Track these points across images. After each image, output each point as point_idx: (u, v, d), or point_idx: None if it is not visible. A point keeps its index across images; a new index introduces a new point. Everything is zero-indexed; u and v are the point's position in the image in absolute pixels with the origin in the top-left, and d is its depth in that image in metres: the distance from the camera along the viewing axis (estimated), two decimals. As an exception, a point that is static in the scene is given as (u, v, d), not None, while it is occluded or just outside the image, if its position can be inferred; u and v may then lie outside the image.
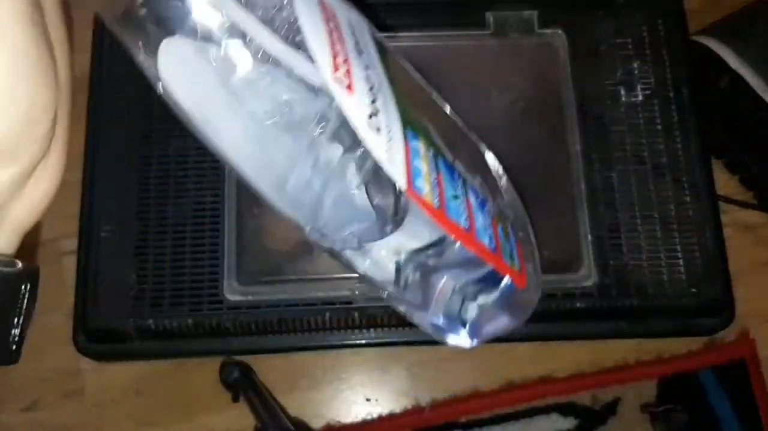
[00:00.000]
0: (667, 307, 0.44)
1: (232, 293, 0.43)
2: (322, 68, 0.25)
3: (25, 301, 0.25)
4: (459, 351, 0.48)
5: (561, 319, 0.44)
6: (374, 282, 0.34)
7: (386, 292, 0.34)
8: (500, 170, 0.36)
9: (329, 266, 0.44)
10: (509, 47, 0.49)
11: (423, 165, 0.29)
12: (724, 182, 0.52)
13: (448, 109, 0.34)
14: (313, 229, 0.30)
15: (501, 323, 0.35)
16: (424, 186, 0.29)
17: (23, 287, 0.25)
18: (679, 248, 0.45)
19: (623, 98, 0.48)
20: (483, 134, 0.48)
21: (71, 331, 0.44)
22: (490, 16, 0.49)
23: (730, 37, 0.50)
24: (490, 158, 0.36)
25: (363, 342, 0.45)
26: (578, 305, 0.44)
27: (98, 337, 0.44)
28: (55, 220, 0.51)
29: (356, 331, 0.45)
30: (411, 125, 0.29)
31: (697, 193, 0.46)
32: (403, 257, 0.33)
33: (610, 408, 0.48)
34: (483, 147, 0.35)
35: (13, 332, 0.24)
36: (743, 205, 0.52)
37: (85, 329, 0.43)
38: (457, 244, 0.31)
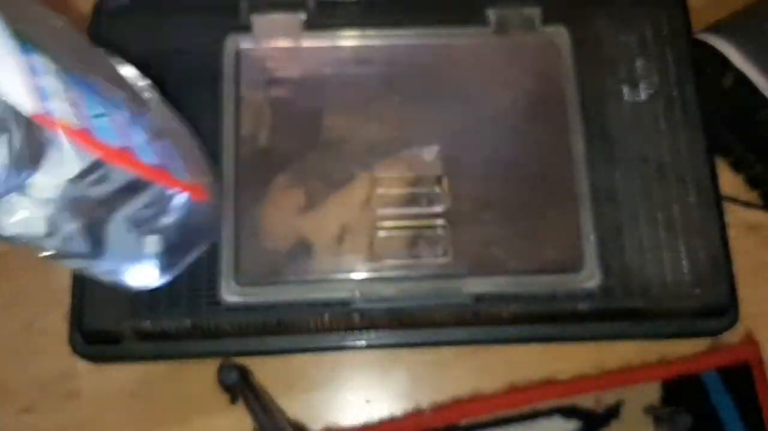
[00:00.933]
0: (671, 308, 0.44)
1: (230, 294, 0.43)
2: None
3: None
4: (459, 352, 0.48)
5: (564, 320, 0.44)
6: (29, 242, 0.29)
7: (48, 251, 0.29)
8: (144, 84, 0.33)
9: (328, 267, 0.44)
10: (511, 44, 0.49)
11: (53, 82, 0.25)
12: (728, 182, 0.52)
13: (71, 28, 0.31)
14: None
15: (192, 245, 0.34)
16: (60, 106, 0.25)
17: None
18: (683, 248, 0.45)
19: (626, 97, 0.47)
20: (485, 132, 0.48)
21: (68, 333, 0.44)
22: (492, 13, 0.49)
23: (735, 36, 0.50)
24: (130, 71, 0.33)
25: (362, 343, 0.45)
26: (581, 306, 0.44)
27: (95, 339, 0.44)
28: (52, 220, 0.51)
29: (355, 333, 0.45)
30: (29, 41, 0.25)
31: (701, 192, 0.46)
32: (54, 204, 0.28)
33: (613, 411, 0.48)
34: (117, 61, 0.32)
35: None
36: (748, 205, 0.52)
37: (81, 330, 0.43)
38: (115, 169, 0.28)
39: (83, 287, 0.43)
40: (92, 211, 0.29)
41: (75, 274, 0.44)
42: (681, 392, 0.48)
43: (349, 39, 0.49)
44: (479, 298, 0.43)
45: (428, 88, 0.48)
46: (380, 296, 0.43)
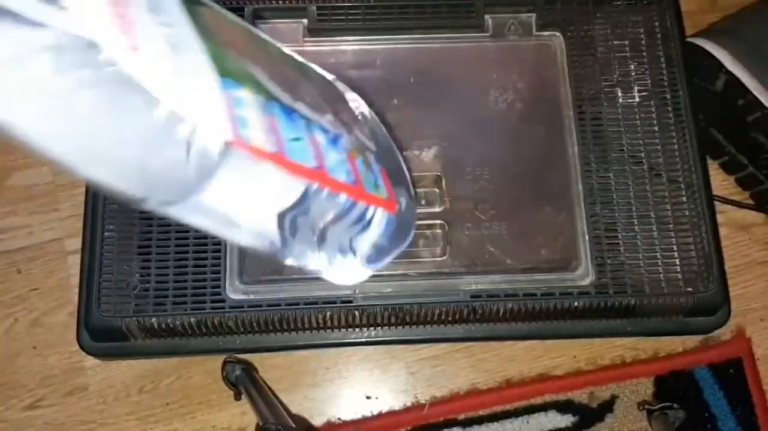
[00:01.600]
0: (664, 306, 0.45)
1: (234, 292, 0.43)
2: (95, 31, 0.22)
3: None
4: (457, 349, 0.49)
5: (559, 318, 0.45)
6: (260, 251, 0.31)
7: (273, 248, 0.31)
8: (355, 98, 0.34)
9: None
10: (508, 49, 0.50)
11: (250, 113, 0.27)
12: (720, 182, 0.53)
13: (286, 49, 0.32)
14: (160, 201, 0.26)
15: (389, 250, 0.35)
16: (254, 134, 0.27)
17: None
18: (675, 247, 0.45)
19: (620, 99, 0.48)
20: (482, 134, 0.48)
21: (75, 329, 0.44)
22: (488, 19, 0.50)
23: (727, 39, 0.50)
24: (341, 86, 0.34)
25: (363, 340, 0.45)
26: (575, 303, 0.44)
27: (102, 335, 0.44)
28: (60, 220, 0.51)
29: (357, 329, 0.45)
30: (232, 75, 0.27)
31: (694, 193, 0.46)
32: (279, 216, 0.30)
33: (608, 406, 0.48)
34: (330, 77, 0.34)
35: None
36: (739, 205, 0.52)
37: (88, 327, 0.44)
38: (323, 192, 0.30)
39: (90, 284, 0.43)
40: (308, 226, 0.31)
41: (82, 271, 0.44)
42: (674, 388, 0.48)
43: (350, 44, 0.49)
44: (476, 296, 0.44)
45: (427, 91, 0.49)
46: (380, 294, 0.44)
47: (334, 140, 0.32)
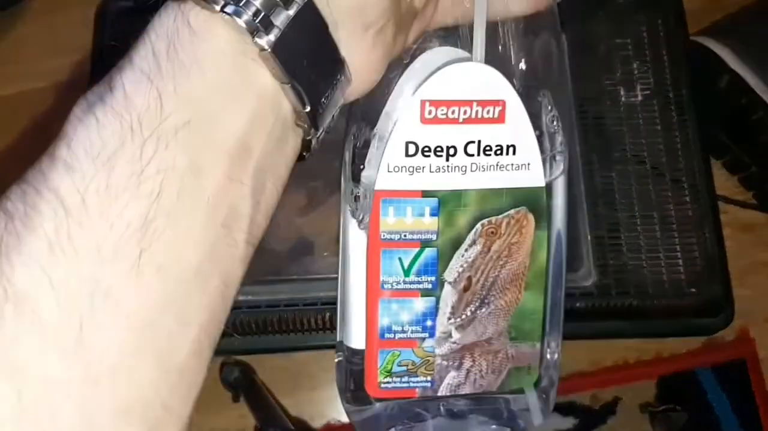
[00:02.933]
0: (667, 307, 0.44)
1: (233, 293, 0.43)
2: None
3: (336, 88, 0.25)
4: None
5: (561, 319, 0.45)
6: None
7: None
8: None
9: (329, 266, 0.44)
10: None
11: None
12: (724, 182, 0.52)
13: None
14: None
15: None
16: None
17: (339, 75, 0.25)
18: (678, 247, 0.45)
19: (623, 98, 0.48)
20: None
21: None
22: (489, 17, 0.49)
23: (730, 38, 0.50)
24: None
25: (363, 341, 0.45)
26: (578, 304, 0.44)
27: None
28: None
29: (356, 331, 0.45)
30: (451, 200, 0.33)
31: (697, 193, 0.46)
32: None
33: (610, 408, 0.48)
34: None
35: (323, 100, 0.25)
36: (742, 205, 0.52)
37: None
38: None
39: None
40: None
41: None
42: (677, 389, 0.48)
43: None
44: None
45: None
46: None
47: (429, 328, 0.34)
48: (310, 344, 0.45)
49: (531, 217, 0.34)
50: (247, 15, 0.22)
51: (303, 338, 0.45)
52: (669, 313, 0.45)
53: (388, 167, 0.32)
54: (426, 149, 0.32)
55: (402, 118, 0.31)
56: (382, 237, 0.33)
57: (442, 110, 0.31)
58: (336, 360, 0.37)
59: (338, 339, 0.37)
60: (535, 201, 0.34)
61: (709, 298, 0.45)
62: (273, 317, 0.43)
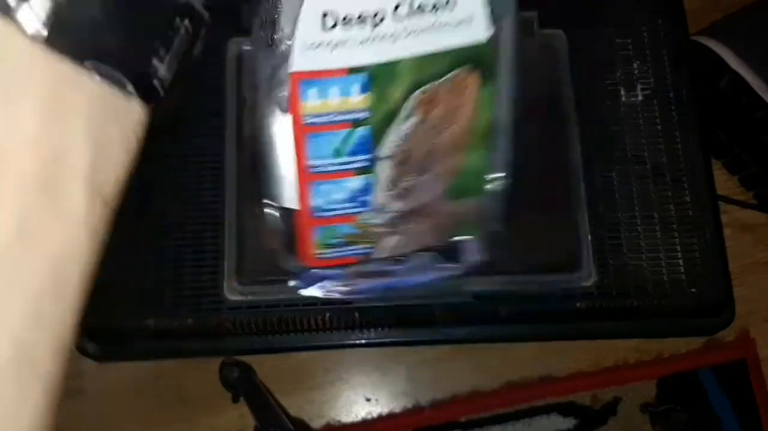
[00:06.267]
0: (667, 307, 0.44)
1: (233, 293, 0.43)
2: None
3: (178, 38, 0.20)
4: (458, 350, 0.48)
5: (561, 319, 0.45)
6: None
7: None
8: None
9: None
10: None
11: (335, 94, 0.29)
12: (724, 182, 0.52)
13: None
14: None
15: None
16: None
17: (178, 19, 0.20)
18: (679, 248, 0.45)
19: (623, 98, 0.48)
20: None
21: (72, 331, 0.44)
22: (490, 17, 0.49)
23: (730, 38, 0.50)
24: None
25: (363, 341, 0.45)
26: (578, 305, 0.44)
27: (99, 337, 0.44)
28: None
29: (356, 331, 0.45)
30: (380, 73, 0.27)
31: (697, 193, 0.46)
32: None
33: (610, 408, 0.48)
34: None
35: (154, 62, 0.19)
36: (743, 205, 0.52)
37: (85, 329, 0.43)
38: None
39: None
40: None
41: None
42: (677, 390, 0.48)
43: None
44: (478, 297, 0.43)
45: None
46: (380, 295, 0.43)
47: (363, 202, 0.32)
48: (310, 344, 0.45)
49: (474, 75, 0.30)
50: None
51: (303, 338, 0.45)
52: (669, 313, 0.45)
53: (303, 44, 0.27)
54: (347, 18, 0.26)
55: None
56: (306, 122, 0.29)
57: None
58: (263, 211, 0.34)
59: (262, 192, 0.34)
60: (479, 57, 0.29)
61: (710, 298, 0.45)
62: (273, 317, 0.43)
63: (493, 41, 0.29)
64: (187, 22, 0.20)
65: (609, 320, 0.45)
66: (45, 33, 0.16)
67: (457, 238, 0.34)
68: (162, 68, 0.19)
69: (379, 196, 0.32)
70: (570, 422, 0.47)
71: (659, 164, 0.46)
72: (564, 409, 0.48)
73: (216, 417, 0.47)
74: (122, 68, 0.18)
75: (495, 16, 0.29)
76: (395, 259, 0.35)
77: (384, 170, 0.31)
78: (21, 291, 0.18)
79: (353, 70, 0.28)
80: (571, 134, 0.47)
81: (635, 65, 0.48)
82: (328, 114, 0.29)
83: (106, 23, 0.17)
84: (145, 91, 0.19)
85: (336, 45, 0.27)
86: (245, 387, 0.46)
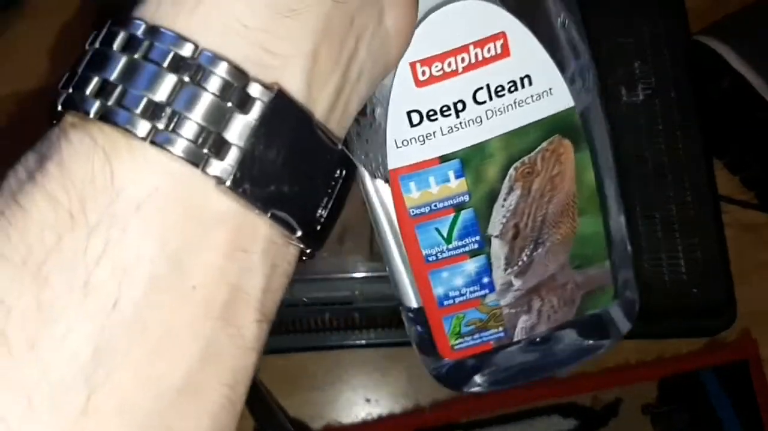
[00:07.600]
0: (669, 308, 0.44)
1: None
2: None
3: (338, 186, 0.21)
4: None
5: (562, 319, 0.44)
6: None
7: None
8: None
9: (329, 266, 0.44)
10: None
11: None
12: (725, 182, 0.52)
13: None
14: None
15: None
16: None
17: (339, 171, 0.21)
18: (680, 248, 0.45)
19: (624, 98, 0.48)
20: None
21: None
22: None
23: (732, 37, 0.50)
24: None
25: (363, 342, 0.45)
26: (579, 305, 0.44)
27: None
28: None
29: (356, 332, 0.45)
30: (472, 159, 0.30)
31: (699, 193, 0.46)
32: None
33: (611, 409, 0.48)
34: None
35: (320, 211, 0.21)
36: (744, 205, 0.52)
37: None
38: None
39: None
40: None
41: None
42: (678, 390, 0.48)
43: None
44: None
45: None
46: (380, 296, 0.43)
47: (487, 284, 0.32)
48: (310, 344, 0.45)
49: (567, 142, 0.31)
50: (185, 138, 0.17)
51: (303, 338, 0.45)
52: (671, 314, 0.45)
53: (395, 143, 0.29)
54: (431, 112, 0.28)
55: (395, 89, 0.28)
56: (412, 214, 0.31)
57: (437, 66, 0.28)
58: (404, 318, 0.35)
59: (396, 302, 0.35)
60: (567, 124, 0.30)
61: (711, 299, 0.45)
62: (272, 317, 0.43)
63: (578, 107, 0.31)
64: (344, 171, 0.21)
65: (610, 320, 0.45)
66: (232, 182, 0.18)
67: (592, 311, 0.35)
68: (325, 213, 0.21)
69: (499, 276, 0.33)
70: (571, 423, 0.47)
71: (660, 163, 0.46)
72: (565, 410, 0.48)
73: (215, 418, 0.47)
74: (295, 216, 0.20)
75: (579, 78, 0.31)
76: (533, 341, 0.35)
77: (497, 249, 0.32)
78: (202, 416, 0.19)
79: (445, 158, 0.30)
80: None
81: (636, 65, 0.48)
82: (430, 203, 0.31)
83: (285, 176, 0.19)
84: (310, 234, 0.21)
85: (425, 138, 0.29)
86: (245, 388, 0.46)
